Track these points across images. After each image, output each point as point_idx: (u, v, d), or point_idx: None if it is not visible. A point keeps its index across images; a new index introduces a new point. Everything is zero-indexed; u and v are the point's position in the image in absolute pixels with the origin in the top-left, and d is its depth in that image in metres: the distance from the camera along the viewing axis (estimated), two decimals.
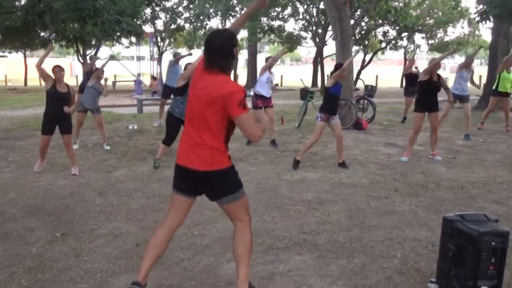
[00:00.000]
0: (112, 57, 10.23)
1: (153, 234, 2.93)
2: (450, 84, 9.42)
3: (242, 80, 27.81)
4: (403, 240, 3.97)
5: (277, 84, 9.03)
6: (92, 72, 8.69)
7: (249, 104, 7.78)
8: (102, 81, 7.94)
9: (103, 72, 7.96)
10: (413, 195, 5.27)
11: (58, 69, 5.98)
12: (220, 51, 2.68)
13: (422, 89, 6.89)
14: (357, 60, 18.85)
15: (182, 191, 2.85)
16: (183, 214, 2.92)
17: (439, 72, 7.00)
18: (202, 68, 2.73)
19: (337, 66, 6.57)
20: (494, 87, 10.37)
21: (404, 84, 11.64)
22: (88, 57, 11.37)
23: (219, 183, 2.77)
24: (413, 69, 11.75)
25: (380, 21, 22.66)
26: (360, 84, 13.98)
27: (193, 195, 2.89)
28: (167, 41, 28.56)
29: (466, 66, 9.30)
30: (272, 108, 8.20)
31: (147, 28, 25.47)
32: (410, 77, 11.24)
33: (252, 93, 8.23)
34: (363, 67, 23.99)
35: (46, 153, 6.33)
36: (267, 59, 8.50)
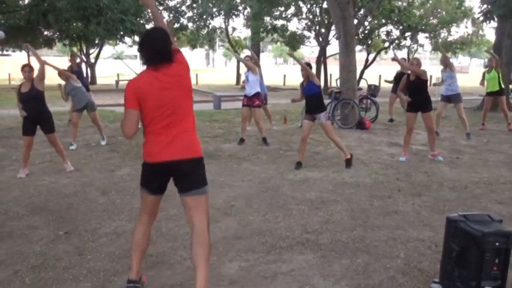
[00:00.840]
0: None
1: (134, 232, 3.03)
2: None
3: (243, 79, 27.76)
4: (406, 240, 3.96)
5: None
6: (80, 72, 8.71)
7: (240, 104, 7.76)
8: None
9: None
10: (417, 195, 5.26)
11: (28, 69, 5.89)
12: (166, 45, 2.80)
13: (411, 89, 6.90)
14: (360, 59, 18.82)
15: (154, 191, 2.96)
16: (156, 209, 3.08)
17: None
18: (155, 68, 2.78)
19: (309, 64, 6.72)
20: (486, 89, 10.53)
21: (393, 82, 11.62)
22: (69, 55, 10.64)
23: (196, 173, 2.84)
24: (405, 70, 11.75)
25: (383, 21, 22.58)
26: (363, 84, 13.94)
27: (163, 192, 3.00)
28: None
29: (445, 65, 9.30)
30: (258, 108, 8.29)
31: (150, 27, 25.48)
32: (401, 76, 11.29)
33: (249, 91, 8.27)
34: (366, 67, 23.92)
35: (29, 157, 6.19)
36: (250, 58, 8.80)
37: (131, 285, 2.93)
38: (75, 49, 28.11)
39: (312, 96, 6.49)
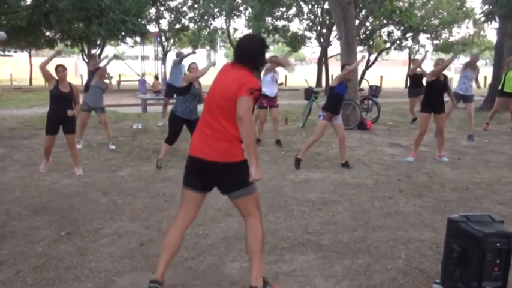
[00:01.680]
0: (116, 57, 10.20)
1: (167, 233, 2.98)
2: (455, 84, 9.37)
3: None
4: (408, 241, 3.96)
5: (281, 83, 9.03)
6: (95, 71, 8.70)
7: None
8: (106, 80, 7.95)
9: (106, 71, 7.97)
10: (418, 196, 5.26)
11: (61, 69, 5.95)
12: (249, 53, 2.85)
13: (429, 90, 6.86)
14: None
15: (193, 186, 2.88)
16: (194, 210, 2.95)
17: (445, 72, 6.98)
18: (230, 65, 2.89)
19: (343, 67, 6.58)
20: (500, 88, 10.29)
21: (408, 84, 11.55)
22: (91, 56, 11.35)
23: (233, 176, 2.81)
24: (418, 69, 11.68)
25: (385, 22, 22.61)
26: (364, 85, 13.93)
27: (204, 190, 2.91)
28: (172, 41, 28.60)
29: (471, 65, 9.24)
30: (277, 108, 8.21)
31: (152, 28, 25.51)
32: (414, 78, 11.18)
33: (269, 91, 8.23)
34: (367, 67, 23.93)
35: (51, 153, 6.34)
36: (270, 59, 8.49)
37: (153, 285, 2.86)
38: (76, 50, 28.19)
39: (340, 96, 6.52)
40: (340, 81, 6.44)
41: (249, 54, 2.81)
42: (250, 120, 2.65)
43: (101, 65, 8.89)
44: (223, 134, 2.74)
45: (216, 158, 2.74)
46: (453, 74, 29.26)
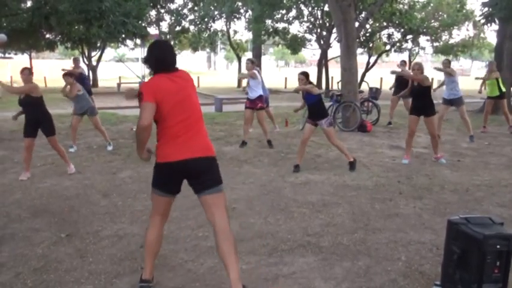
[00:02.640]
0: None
1: (146, 234, 3.06)
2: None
3: (244, 82, 27.81)
4: (408, 243, 3.96)
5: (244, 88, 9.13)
6: (82, 76, 8.74)
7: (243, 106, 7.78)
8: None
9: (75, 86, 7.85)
10: (418, 198, 5.26)
11: (27, 72, 6.03)
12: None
13: (415, 94, 6.91)
14: (362, 62, 18.81)
15: (170, 192, 2.98)
16: (168, 210, 3.09)
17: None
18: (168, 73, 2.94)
19: (305, 75, 6.66)
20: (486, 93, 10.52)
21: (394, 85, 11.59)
22: (72, 59, 10.92)
23: (213, 171, 2.92)
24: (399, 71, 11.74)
25: (385, 24, 22.62)
26: (364, 87, 13.95)
27: (176, 193, 3.02)
28: (172, 43, 28.63)
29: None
30: (260, 110, 8.29)
31: (152, 30, 25.55)
32: (400, 80, 11.29)
33: (251, 94, 8.26)
34: (367, 69, 23.94)
35: (30, 160, 6.23)
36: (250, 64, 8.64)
37: (144, 284, 3.03)
38: (76, 52, 28.20)
39: (312, 105, 6.54)
40: (308, 92, 6.51)
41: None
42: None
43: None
44: (203, 132, 2.94)
45: (203, 154, 2.89)
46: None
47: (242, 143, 8.26)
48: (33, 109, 6.03)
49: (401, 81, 10.91)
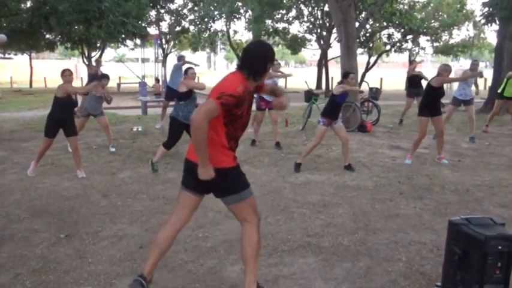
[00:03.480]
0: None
1: (159, 230, 2.96)
2: (455, 86, 9.36)
3: None
4: (408, 244, 3.95)
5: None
6: (96, 75, 8.65)
7: (253, 107, 7.78)
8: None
9: (107, 83, 7.85)
10: (418, 198, 5.25)
11: (68, 73, 6.02)
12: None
13: (430, 95, 6.82)
14: (362, 62, 18.82)
15: (190, 187, 2.86)
16: (187, 212, 2.91)
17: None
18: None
19: (345, 75, 6.61)
20: (500, 91, 10.26)
21: (407, 85, 11.59)
22: (93, 59, 11.45)
23: (223, 182, 2.78)
24: (416, 71, 11.72)
25: (385, 24, 22.62)
26: (364, 87, 13.94)
27: (200, 192, 2.88)
28: (172, 43, 28.62)
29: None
30: (276, 110, 8.22)
31: (152, 30, 25.54)
32: (412, 79, 11.23)
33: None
34: (367, 69, 23.93)
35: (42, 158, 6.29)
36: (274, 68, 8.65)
37: (140, 278, 2.85)
38: (76, 52, 28.19)
39: (340, 104, 6.60)
40: (343, 93, 6.44)
41: (248, 57, 2.76)
42: (199, 123, 2.56)
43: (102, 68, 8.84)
44: (208, 141, 2.66)
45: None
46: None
47: (252, 142, 8.39)
48: (66, 109, 6.06)
49: (413, 81, 10.91)
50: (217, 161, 2.73)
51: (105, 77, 7.60)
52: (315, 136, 6.58)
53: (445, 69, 6.84)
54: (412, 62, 12.00)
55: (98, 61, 12.10)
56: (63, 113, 6.01)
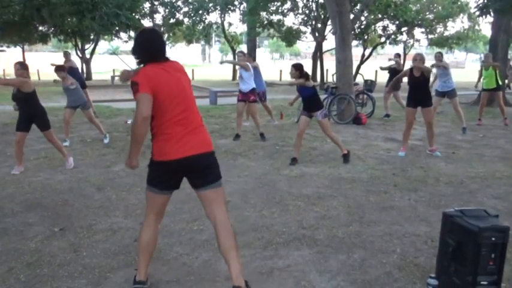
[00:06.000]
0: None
1: (141, 233, 2.93)
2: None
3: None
4: (403, 236, 3.96)
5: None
6: (71, 68, 8.63)
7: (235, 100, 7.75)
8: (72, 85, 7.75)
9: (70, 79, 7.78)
10: (413, 191, 5.26)
11: (18, 66, 5.98)
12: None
13: (415, 85, 6.87)
14: (357, 55, 18.81)
15: (168, 190, 2.87)
16: (163, 210, 2.97)
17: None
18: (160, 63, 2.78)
19: (298, 67, 6.56)
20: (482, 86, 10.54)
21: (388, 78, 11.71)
22: (63, 53, 11.03)
23: (214, 166, 2.84)
24: (391, 62, 11.82)
25: (380, 16, 22.56)
26: (359, 79, 13.95)
27: (175, 190, 2.92)
28: (166, 35, 28.44)
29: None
30: (253, 103, 8.27)
31: (146, 22, 25.39)
32: (390, 72, 11.42)
33: (244, 87, 8.24)
34: (362, 62, 23.92)
35: (22, 155, 6.17)
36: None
37: (139, 286, 2.91)
38: (70, 44, 27.98)
39: (307, 98, 6.51)
40: (301, 86, 6.50)
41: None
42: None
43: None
44: (202, 126, 2.83)
45: (202, 150, 2.79)
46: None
47: (236, 136, 8.24)
48: (26, 104, 5.95)
49: (394, 74, 10.92)
50: (210, 143, 2.88)
51: (59, 69, 7.68)
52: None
53: (414, 58, 6.78)
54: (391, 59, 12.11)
55: (67, 54, 11.39)
56: (25, 108, 5.94)
